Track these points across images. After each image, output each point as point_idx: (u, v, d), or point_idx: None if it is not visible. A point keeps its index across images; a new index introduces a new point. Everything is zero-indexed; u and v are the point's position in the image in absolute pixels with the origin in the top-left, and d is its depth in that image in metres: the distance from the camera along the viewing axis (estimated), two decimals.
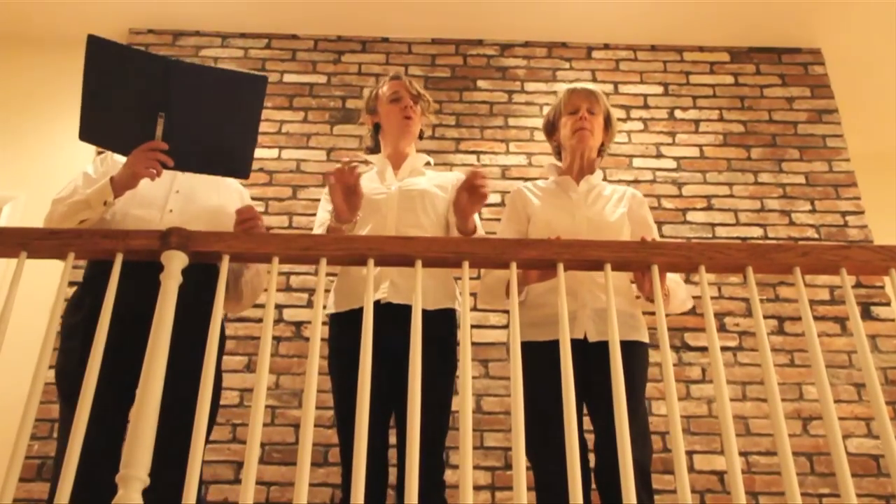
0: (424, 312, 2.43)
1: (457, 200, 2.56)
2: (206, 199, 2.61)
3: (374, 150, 3.04)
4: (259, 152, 4.06)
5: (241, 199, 2.74)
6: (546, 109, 4.45)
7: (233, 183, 2.76)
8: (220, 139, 2.44)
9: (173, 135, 2.34)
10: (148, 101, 2.33)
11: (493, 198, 4.20)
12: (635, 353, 2.55)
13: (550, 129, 2.97)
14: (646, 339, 2.64)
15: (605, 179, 2.92)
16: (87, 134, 2.39)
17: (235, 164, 2.50)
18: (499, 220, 4.07)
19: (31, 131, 4.45)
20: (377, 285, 2.60)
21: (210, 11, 4.59)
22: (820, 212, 4.31)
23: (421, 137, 3.06)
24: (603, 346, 2.41)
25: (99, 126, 2.38)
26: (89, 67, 2.31)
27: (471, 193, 2.51)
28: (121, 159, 2.50)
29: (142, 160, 2.33)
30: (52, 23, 4.64)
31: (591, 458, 2.51)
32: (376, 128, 3.02)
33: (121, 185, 2.36)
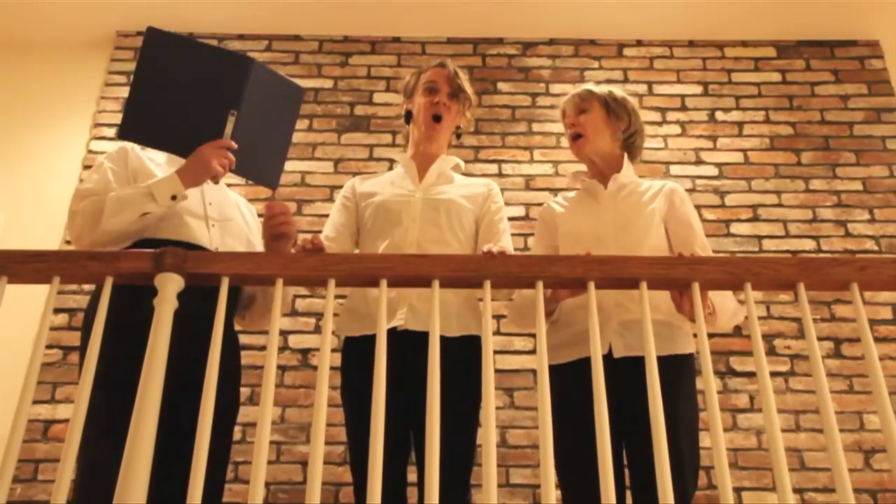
0: (448, 339, 2.43)
1: None
2: (234, 215, 2.65)
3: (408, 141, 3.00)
4: None
5: (254, 218, 2.78)
6: None
7: (243, 202, 2.80)
8: (264, 145, 2.54)
9: (235, 135, 2.42)
10: (217, 98, 2.40)
11: (517, 210, 4.21)
12: (672, 370, 2.44)
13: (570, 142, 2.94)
14: (689, 350, 2.54)
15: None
16: (130, 132, 2.44)
17: (267, 172, 2.61)
18: (523, 235, 4.10)
19: (13, 147, 4.48)
20: (394, 310, 2.58)
21: (205, 11, 4.63)
22: (880, 221, 4.28)
23: (458, 136, 3.03)
24: (631, 362, 2.38)
25: (147, 123, 2.42)
26: (145, 62, 2.39)
27: None
28: (152, 156, 2.56)
29: (215, 157, 2.37)
30: (34, 27, 4.68)
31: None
32: (408, 116, 2.96)
33: (190, 180, 2.37)
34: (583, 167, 2.94)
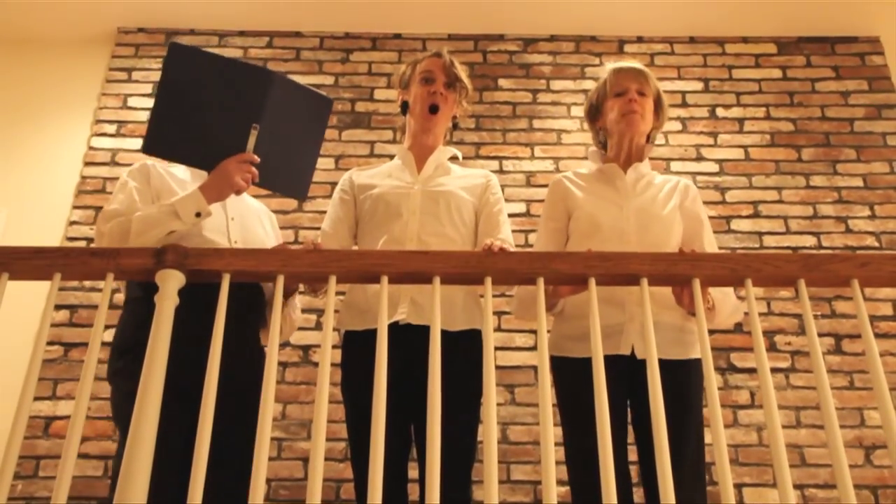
0: (450, 334, 2.41)
1: None
2: (256, 229, 2.65)
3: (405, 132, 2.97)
4: None
5: (274, 229, 2.79)
6: (574, 110, 4.46)
7: (265, 210, 2.81)
8: (291, 157, 2.54)
9: (259, 148, 2.42)
10: (239, 111, 2.40)
11: (518, 207, 4.20)
12: (690, 375, 2.48)
13: (594, 113, 2.86)
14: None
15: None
16: (154, 146, 2.43)
17: (296, 184, 2.60)
18: (524, 231, 4.10)
19: (14, 143, 4.47)
20: (395, 304, 2.56)
21: (205, 8, 4.62)
22: (880, 217, 4.28)
23: (456, 127, 2.99)
24: None
25: (171, 138, 2.41)
26: (168, 78, 2.38)
27: None
28: (174, 172, 2.58)
29: (238, 171, 2.37)
30: (35, 24, 4.67)
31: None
32: (404, 107, 2.93)
33: (214, 195, 2.37)
34: (594, 149, 2.90)
